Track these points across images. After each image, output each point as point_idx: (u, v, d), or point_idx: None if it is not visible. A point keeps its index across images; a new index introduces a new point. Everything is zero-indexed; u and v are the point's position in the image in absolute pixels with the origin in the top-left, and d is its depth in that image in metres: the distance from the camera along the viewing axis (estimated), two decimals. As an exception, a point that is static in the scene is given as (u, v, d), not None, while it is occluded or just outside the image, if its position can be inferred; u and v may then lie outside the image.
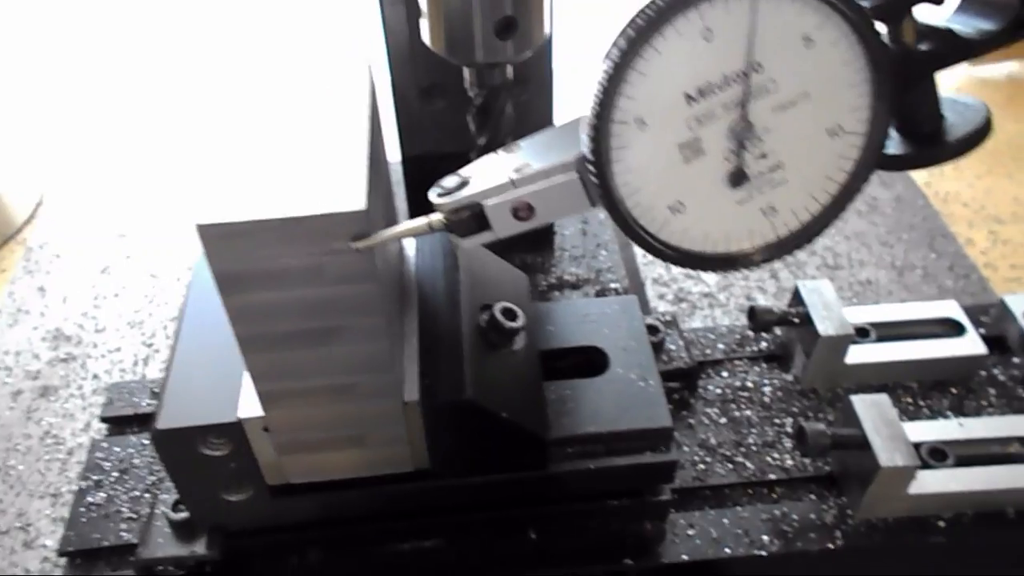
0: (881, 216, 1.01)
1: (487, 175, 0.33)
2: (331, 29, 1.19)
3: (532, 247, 0.79)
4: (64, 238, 1.01)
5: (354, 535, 0.50)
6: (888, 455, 0.48)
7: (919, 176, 1.08)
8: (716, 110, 0.30)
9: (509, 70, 0.48)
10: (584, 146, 0.30)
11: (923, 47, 0.31)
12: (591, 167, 0.30)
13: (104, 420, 0.59)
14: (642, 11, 0.28)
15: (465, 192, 0.33)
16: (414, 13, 0.49)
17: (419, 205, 0.74)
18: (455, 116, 0.65)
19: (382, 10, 0.61)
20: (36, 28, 1.37)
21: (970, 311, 0.61)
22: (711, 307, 0.92)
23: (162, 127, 1.14)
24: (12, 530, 0.69)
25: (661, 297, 0.92)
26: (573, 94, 0.82)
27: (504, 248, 0.81)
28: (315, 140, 0.39)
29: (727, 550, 0.51)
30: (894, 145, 0.33)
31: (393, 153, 0.77)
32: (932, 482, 0.51)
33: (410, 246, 0.51)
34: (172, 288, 0.94)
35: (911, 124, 0.33)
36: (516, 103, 0.61)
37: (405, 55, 0.64)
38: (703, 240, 0.32)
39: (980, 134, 0.32)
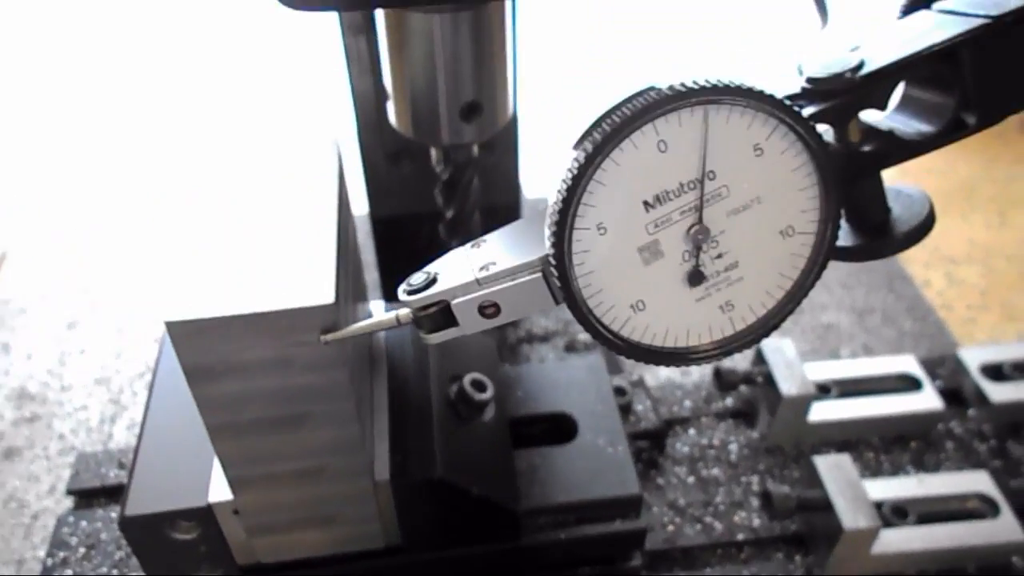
0: (841, 260, 1.03)
1: (454, 273, 0.34)
2: (302, 94, 1.19)
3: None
4: (29, 293, 1.00)
5: (326, 611, 0.50)
6: (851, 517, 0.49)
7: (877, 219, 1.10)
8: (673, 215, 0.31)
9: (474, 147, 0.49)
10: (547, 250, 0.31)
11: (868, 147, 0.33)
12: (554, 270, 0.31)
13: (71, 493, 0.58)
14: (600, 126, 0.29)
15: (432, 290, 0.33)
16: (382, 85, 0.50)
17: (388, 263, 0.75)
18: (422, 179, 0.66)
19: (350, 78, 0.62)
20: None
21: (927, 364, 0.63)
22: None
23: (128, 193, 1.13)
24: (-25, 600, 0.68)
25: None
26: (539, 155, 0.84)
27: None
28: (283, 230, 0.39)
29: (697, 614, 0.51)
30: (845, 237, 0.35)
31: (362, 206, 0.78)
32: (895, 540, 0.52)
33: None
34: (140, 343, 0.93)
35: (860, 217, 0.35)
36: (482, 167, 0.63)
37: (373, 121, 0.65)
38: (664, 336, 0.33)
39: (924, 227, 0.34)
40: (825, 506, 0.50)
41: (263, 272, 0.37)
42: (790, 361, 0.59)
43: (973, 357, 0.63)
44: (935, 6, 0.34)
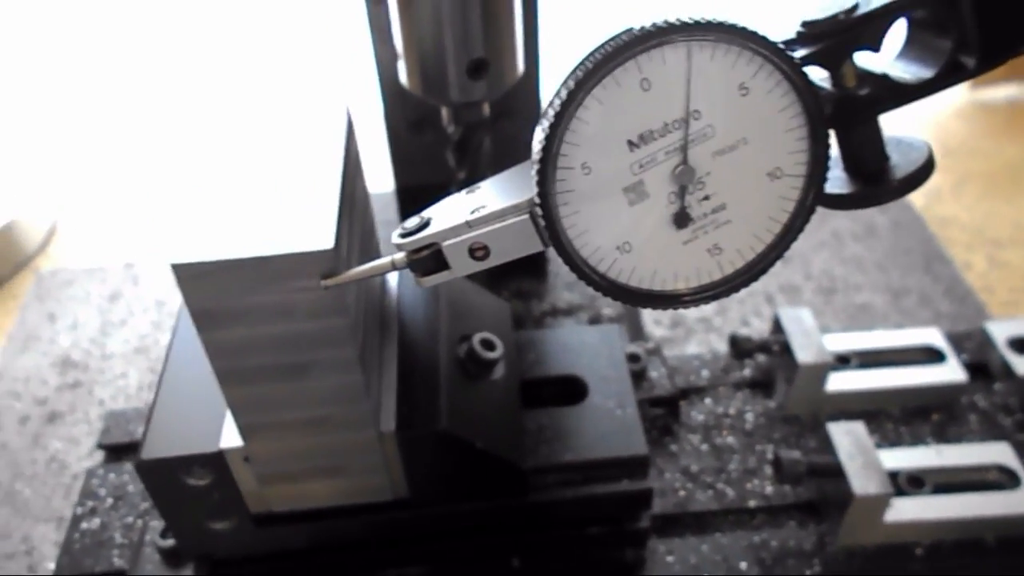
0: (878, 240, 1.01)
1: (446, 216, 0.34)
2: (327, 64, 1.21)
3: (526, 274, 0.80)
4: (75, 265, 1.03)
5: (338, 563, 0.51)
6: (861, 483, 0.49)
7: (917, 200, 1.08)
8: (658, 155, 0.31)
9: (485, 108, 0.50)
10: (532, 189, 0.31)
11: (863, 91, 0.32)
12: (539, 210, 0.31)
13: (101, 447, 0.60)
14: (582, 62, 0.29)
15: (424, 233, 0.34)
16: (392, 44, 0.50)
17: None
18: (443, 149, 0.67)
19: (374, 47, 0.63)
20: (52, 58, 1.41)
21: (952, 338, 0.61)
22: (707, 331, 0.92)
23: (160, 157, 1.16)
24: (17, 554, 0.71)
25: (657, 323, 0.93)
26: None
27: (498, 275, 0.82)
28: (289, 180, 0.41)
29: (705, 577, 0.51)
30: (841, 184, 0.34)
31: (388, 183, 0.79)
32: (909, 509, 0.51)
33: (392, 275, 0.53)
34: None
35: (856, 164, 0.34)
36: (502, 136, 0.63)
37: (396, 91, 0.65)
38: (651, 278, 0.33)
39: (922, 173, 0.33)
40: (836, 472, 0.50)
41: (268, 219, 0.38)
42: (808, 330, 0.58)
43: (1001, 330, 0.61)
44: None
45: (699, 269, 0.33)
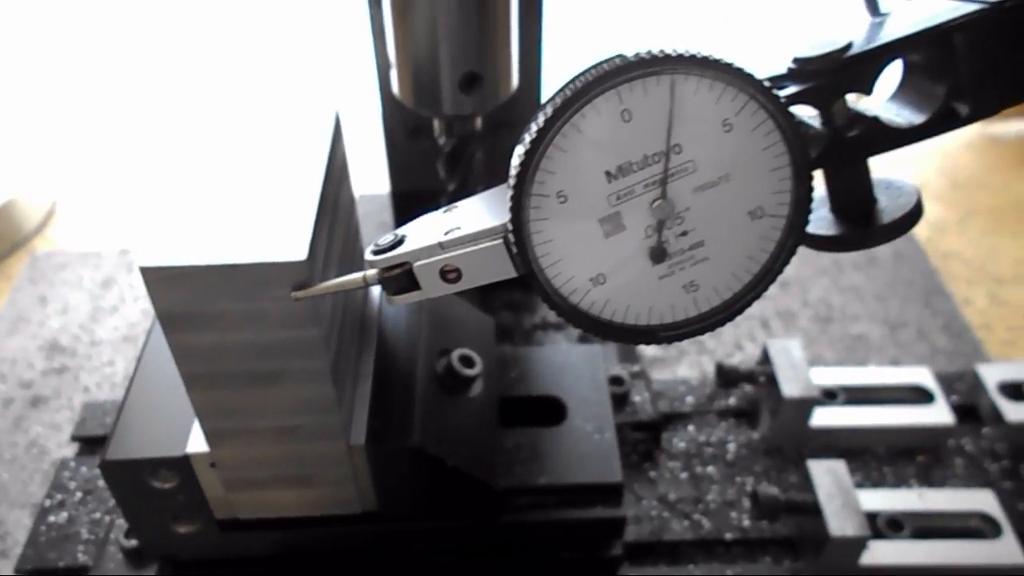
0: (878, 270, 1.00)
1: (420, 235, 0.33)
2: (326, 67, 1.20)
3: (518, 286, 0.79)
4: (70, 249, 1.03)
5: (303, 573, 0.50)
6: (839, 524, 0.48)
7: (921, 231, 1.07)
8: (636, 188, 0.30)
9: (477, 121, 0.49)
10: (506, 215, 0.30)
11: (853, 132, 0.32)
12: (512, 236, 0.30)
13: (75, 439, 0.60)
14: (562, 89, 0.28)
15: (396, 251, 0.33)
16: (386, 54, 0.50)
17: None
18: (435, 160, 0.66)
19: (375, 51, 0.62)
20: (57, 43, 1.41)
21: (942, 378, 0.60)
22: (699, 353, 0.91)
23: (150, 152, 1.15)
24: (-11, 538, 0.70)
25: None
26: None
27: (490, 285, 0.81)
28: (268, 188, 0.40)
29: (675, 609, 0.51)
30: (827, 225, 0.33)
31: (384, 186, 0.78)
32: (886, 553, 0.50)
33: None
34: (167, 306, 0.94)
35: (844, 206, 0.33)
36: (499, 148, 0.62)
37: (394, 96, 0.65)
38: (624, 312, 0.32)
39: (909, 219, 0.32)
40: (814, 511, 0.49)
41: (242, 226, 0.38)
42: (795, 362, 0.57)
43: (992, 373, 0.60)
44: (940, -10, 0.33)
45: (674, 305, 0.32)
